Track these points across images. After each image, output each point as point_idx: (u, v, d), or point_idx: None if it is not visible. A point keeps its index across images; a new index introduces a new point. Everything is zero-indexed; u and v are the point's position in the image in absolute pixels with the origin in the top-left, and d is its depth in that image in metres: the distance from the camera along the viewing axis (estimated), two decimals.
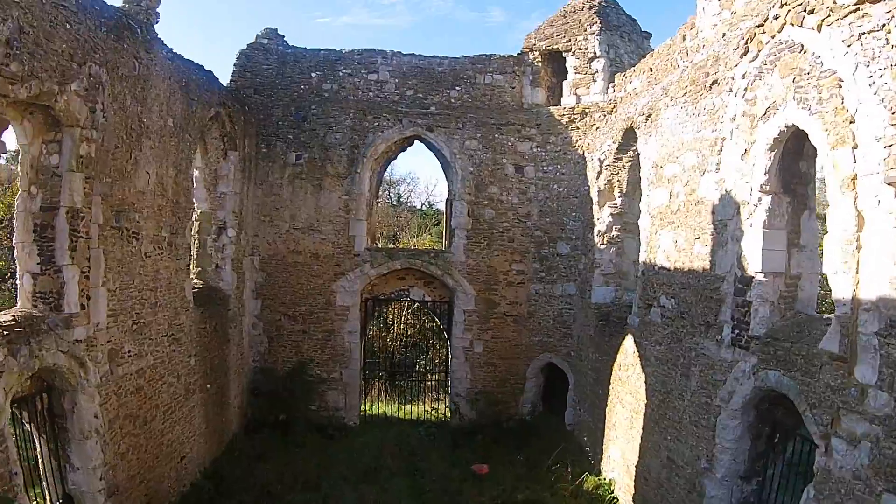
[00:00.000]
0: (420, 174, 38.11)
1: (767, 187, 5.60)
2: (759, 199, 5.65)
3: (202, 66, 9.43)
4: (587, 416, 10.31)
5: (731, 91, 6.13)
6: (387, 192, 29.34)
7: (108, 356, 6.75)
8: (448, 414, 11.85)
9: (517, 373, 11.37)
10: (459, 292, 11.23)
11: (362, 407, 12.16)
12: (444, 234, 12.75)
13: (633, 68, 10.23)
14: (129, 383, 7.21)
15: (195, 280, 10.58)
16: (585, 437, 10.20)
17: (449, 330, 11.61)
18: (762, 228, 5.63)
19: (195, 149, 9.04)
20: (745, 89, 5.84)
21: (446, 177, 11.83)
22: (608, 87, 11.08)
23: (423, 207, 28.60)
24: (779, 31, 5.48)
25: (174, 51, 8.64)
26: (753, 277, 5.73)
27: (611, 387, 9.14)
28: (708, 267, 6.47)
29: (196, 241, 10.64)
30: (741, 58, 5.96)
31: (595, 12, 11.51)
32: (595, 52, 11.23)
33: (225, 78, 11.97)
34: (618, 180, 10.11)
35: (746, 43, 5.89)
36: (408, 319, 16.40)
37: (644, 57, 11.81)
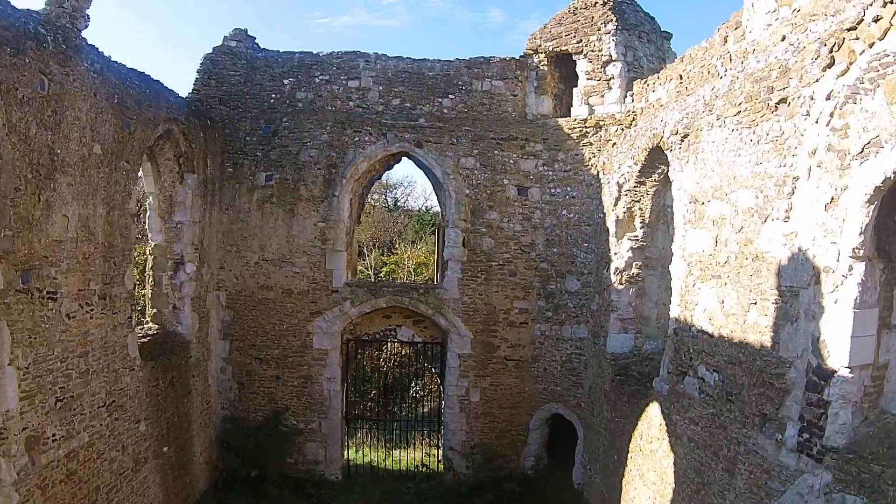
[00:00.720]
0: (418, 178, 36.50)
1: (861, 252, 4.13)
2: (850, 268, 4.18)
3: (147, 76, 7.98)
4: (599, 479, 8.93)
5: (807, 115, 4.62)
6: (384, 195, 27.95)
7: (26, 445, 5.54)
8: (441, 467, 10.50)
9: (519, 423, 9.98)
10: (453, 334, 9.81)
11: (346, 455, 10.85)
12: (436, 264, 11.29)
13: (656, 75, 8.69)
14: (57, 471, 6.01)
15: (150, 324, 9.24)
16: None
17: (442, 375, 10.21)
18: (852, 308, 4.17)
19: (134, 178, 7.62)
20: (832, 115, 4.33)
21: (438, 199, 10.35)
22: (626, 96, 9.53)
23: (420, 211, 27.12)
24: (881, 38, 3.97)
25: (112, 59, 7.23)
26: (836, 372, 4.28)
27: (629, 456, 7.74)
28: (768, 344, 5.01)
29: (150, 279, 9.29)
30: (824, 71, 4.44)
31: (610, 9, 9.93)
32: (610, 55, 9.68)
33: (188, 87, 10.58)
34: (640, 208, 8.62)
35: (831, 52, 4.37)
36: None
37: (665, 61, 10.29)
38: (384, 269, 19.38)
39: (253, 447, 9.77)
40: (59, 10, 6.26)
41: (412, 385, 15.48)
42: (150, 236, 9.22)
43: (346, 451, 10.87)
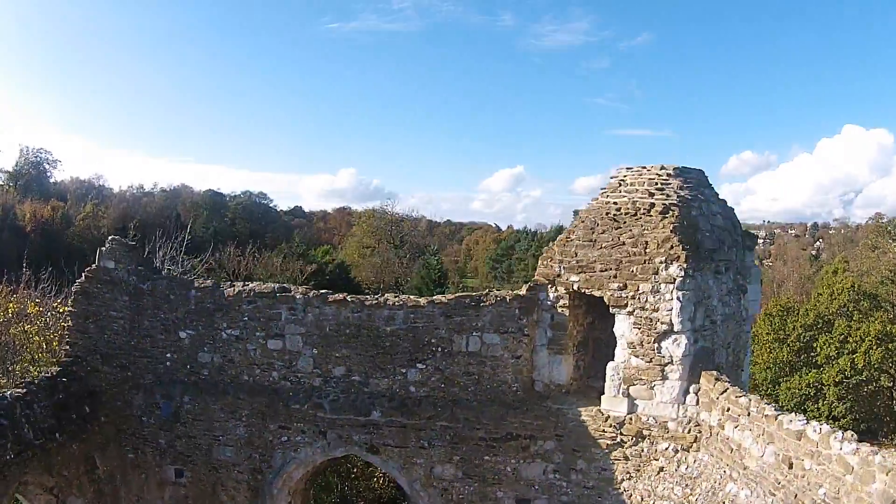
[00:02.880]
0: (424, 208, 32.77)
1: None
2: None
3: None
4: None
5: None
6: (390, 231, 24.60)
7: None
8: None
9: None
10: None
11: None
12: None
13: (746, 402, 5.25)
14: None
15: None
16: None
17: None
18: None
19: None
20: None
21: None
22: (688, 390, 6.01)
23: (427, 250, 23.89)
24: None
25: None
26: None
27: None
28: None
29: None
30: None
31: (674, 228, 5.91)
32: (671, 323, 5.93)
33: None
34: None
35: None
36: None
37: (746, 291, 6.61)
38: None
39: None
40: None
41: None
42: None
43: None
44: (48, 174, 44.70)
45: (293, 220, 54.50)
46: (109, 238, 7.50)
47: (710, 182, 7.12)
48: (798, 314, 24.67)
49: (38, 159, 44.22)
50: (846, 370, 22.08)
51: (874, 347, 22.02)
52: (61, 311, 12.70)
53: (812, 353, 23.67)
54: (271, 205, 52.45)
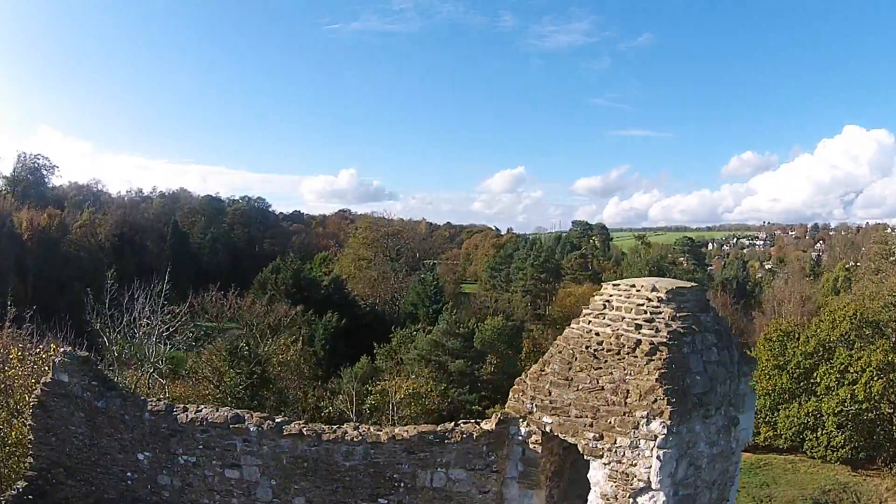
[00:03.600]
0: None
1: None
2: None
3: None
4: None
5: None
6: (386, 244, 24.21)
7: None
8: None
9: None
10: None
11: None
12: None
13: None
14: None
15: None
16: None
17: None
18: None
19: None
20: None
21: None
22: None
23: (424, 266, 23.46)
24: None
25: None
26: None
27: None
28: None
29: None
30: None
31: (662, 372, 5.43)
32: (648, 481, 5.51)
33: None
34: None
35: None
36: None
37: (735, 423, 6.05)
38: (367, 399, 16.72)
39: None
40: None
41: None
42: None
43: None
44: (46, 180, 44.39)
45: (291, 226, 54.11)
46: (62, 350, 7.16)
47: (707, 300, 6.59)
48: (798, 340, 24.08)
49: (36, 165, 43.86)
50: (846, 400, 21.56)
51: (875, 379, 21.46)
52: (44, 357, 12.48)
53: (812, 381, 23.18)
54: (270, 209, 52.00)
